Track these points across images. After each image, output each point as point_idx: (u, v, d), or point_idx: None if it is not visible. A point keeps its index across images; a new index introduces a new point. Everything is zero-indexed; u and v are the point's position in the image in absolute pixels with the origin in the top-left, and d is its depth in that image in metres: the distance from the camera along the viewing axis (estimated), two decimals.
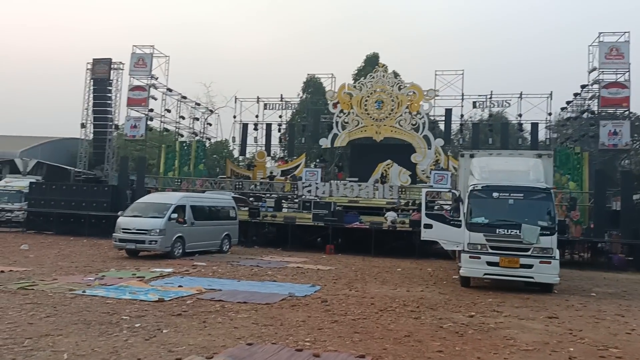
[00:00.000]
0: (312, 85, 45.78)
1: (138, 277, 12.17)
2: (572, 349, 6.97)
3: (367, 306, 9.54)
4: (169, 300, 9.38)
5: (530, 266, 12.00)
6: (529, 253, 12.03)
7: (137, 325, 7.35)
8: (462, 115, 33.56)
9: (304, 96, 45.10)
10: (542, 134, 33.06)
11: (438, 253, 20.08)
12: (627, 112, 26.04)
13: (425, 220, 13.07)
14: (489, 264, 12.19)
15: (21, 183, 27.65)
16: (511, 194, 12.47)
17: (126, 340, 6.55)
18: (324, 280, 12.89)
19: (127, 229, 16.49)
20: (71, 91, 68.17)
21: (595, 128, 26.73)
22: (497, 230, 12.19)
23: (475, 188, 12.68)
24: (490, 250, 12.21)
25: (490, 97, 33.01)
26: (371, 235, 20.90)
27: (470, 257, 12.33)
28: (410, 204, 26.95)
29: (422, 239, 13.75)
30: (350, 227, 21.97)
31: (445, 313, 9.22)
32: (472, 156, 14.66)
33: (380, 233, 21.21)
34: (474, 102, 33.58)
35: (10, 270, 12.35)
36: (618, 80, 25.45)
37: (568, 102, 30.79)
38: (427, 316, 8.85)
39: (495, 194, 12.53)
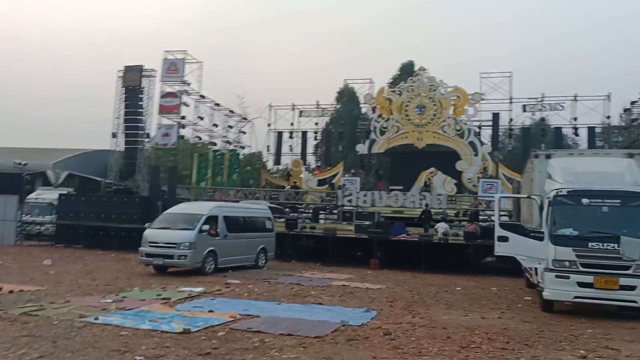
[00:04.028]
0: (346, 95, 44.04)
1: (163, 299, 10.49)
2: None
3: (443, 341, 7.54)
4: (196, 331, 7.62)
5: (633, 287, 9.81)
6: (630, 272, 9.85)
7: None
8: (510, 120, 31.36)
9: (339, 105, 43.39)
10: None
11: (494, 269, 17.92)
12: None
13: (499, 232, 10.94)
14: (581, 284, 10.03)
15: (52, 195, 26.69)
16: (605, 200, 10.31)
17: None
18: (377, 303, 10.94)
19: (155, 243, 14.92)
20: (103, 101, 68.46)
21: None
22: (590, 243, 10.04)
23: (560, 193, 10.54)
24: (581, 269, 10.07)
25: (542, 100, 30.83)
26: (418, 249, 18.92)
27: (556, 276, 10.17)
28: (460, 214, 24.96)
29: (495, 254, 11.61)
30: (397, 240, 19.96)
31: (547, 352, 7.13)
32: (548, 157, 12.50)
33: (430, 246, 19.20)
34: (524, 106, 31.47)
35: (21, 290, 10.82)
36: None
37: (633, 103, 28.04)
38: (527, 357, 6.80)
39: (585, 200, 10.39)
